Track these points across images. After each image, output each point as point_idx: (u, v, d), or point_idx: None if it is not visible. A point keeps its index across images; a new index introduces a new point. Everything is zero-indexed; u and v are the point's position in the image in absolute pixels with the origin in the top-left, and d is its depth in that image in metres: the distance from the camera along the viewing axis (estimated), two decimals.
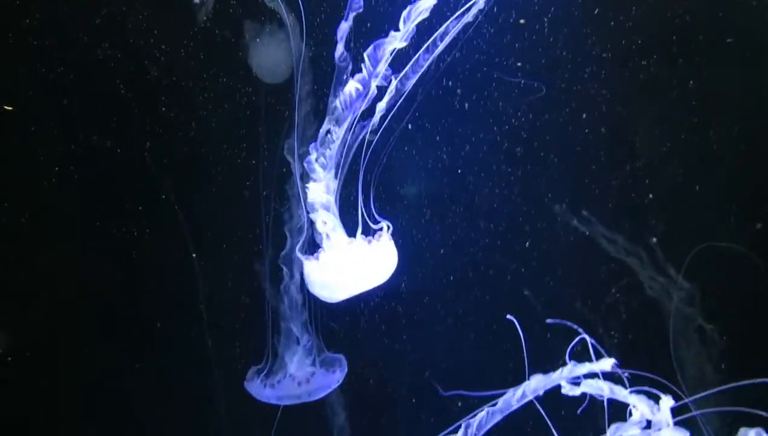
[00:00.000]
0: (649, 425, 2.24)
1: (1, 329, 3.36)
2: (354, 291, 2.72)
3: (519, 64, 3.10)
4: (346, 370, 3.24)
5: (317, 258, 2.61)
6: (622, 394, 2.09)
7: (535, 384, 2.15)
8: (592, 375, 2.14)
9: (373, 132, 2.63)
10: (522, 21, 3.05)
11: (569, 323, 2.43)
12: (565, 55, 3.09)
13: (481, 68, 3.10)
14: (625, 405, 2.27)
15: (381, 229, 2.61)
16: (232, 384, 3.31)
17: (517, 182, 3.27)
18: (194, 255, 3.33)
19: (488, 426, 2.17)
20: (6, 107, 3.15)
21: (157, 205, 3.27)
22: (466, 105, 3.16)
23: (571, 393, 2.12)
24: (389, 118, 2.67)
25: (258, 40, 3.07)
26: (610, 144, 3.25)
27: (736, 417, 2.55)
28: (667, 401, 2.22)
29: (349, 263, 2.61)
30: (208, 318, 3.38)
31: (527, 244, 3.32)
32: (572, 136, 3.22)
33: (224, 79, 3.15)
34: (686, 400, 2.35)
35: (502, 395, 2.23)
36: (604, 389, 2.08)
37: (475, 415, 2.19)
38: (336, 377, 3.22)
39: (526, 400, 2.19)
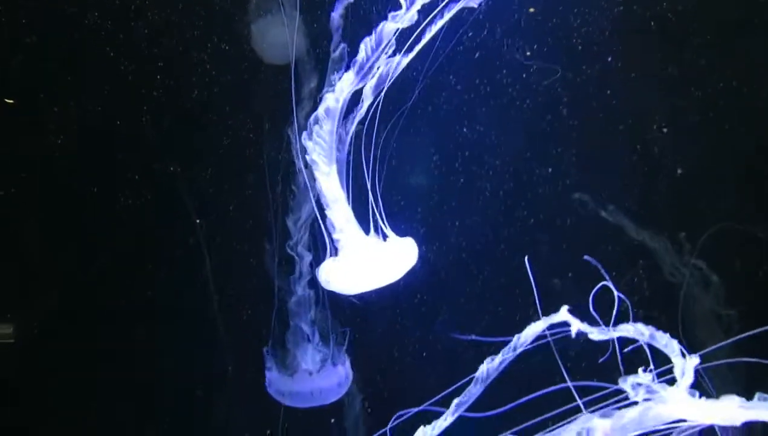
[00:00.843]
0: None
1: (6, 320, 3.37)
2: (372, 287, 2.63)
3: (533, 44, 3.08)
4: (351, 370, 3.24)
5: (333, 260, 2.53)
6: (663, 341, 2.00)
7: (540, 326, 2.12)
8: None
9: (373, 119, 2.57)
10: (532, 9, 3.03)
11: (600, 266, 2.36)
12: (580, 33, 3.06)
13: (495, 47, 3.07)
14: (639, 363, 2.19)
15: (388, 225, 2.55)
16: (241, 375, 3.31)
17: (533, 160, 3.23)
18: (197, 220, 3.27)
19: (500, 368, 2.12)
20: (7, 100, 3.14)
21: (160, 178, 3.24)
22: (478, 84, 3.13)
23: (600, 338, 2.03)
24: (391, 103, 2.62)
25: (259, 17, 3.03)
26: (628, 125, 3.19)
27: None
28: (692, 360, 2.14)
29: (366, 261, 2.52)
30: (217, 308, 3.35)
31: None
32: (589, 115, 3.17)
33: (226, 46, 3.12)
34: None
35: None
36: (644, 334, 2.00)
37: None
38: (346, 373, 3.21)
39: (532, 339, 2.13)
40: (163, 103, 3.17)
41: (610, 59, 3.10)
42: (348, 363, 3.25)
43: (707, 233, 3.13)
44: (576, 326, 2.01)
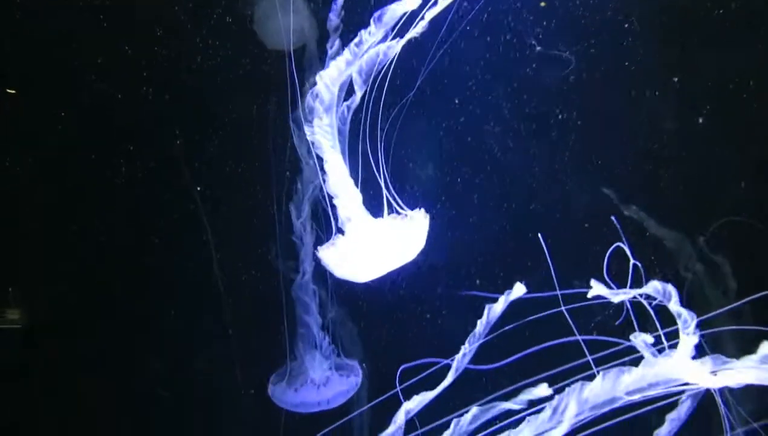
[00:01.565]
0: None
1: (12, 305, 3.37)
2: (382, 271, 2.62)
3: (543, 24, 3.08)
4: (360, 378, 3.22)
5: (333, 245, 2.51)
6: (683, 315, 2.05)
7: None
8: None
9: (377, 106, 2.59)
10: (543, 4, 3.05)
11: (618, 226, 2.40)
12: (589, 23, 3.06)
13: (504, 36, 3.07)
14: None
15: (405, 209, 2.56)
16: (246, 376, 3.31)
17: (538, 146, 3.22)
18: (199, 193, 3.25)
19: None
20: (9, 90, 3.14)
21: (165, 162, 3.22)
22: (484, 73, 3.13)
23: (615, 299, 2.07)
24: (396, 89, 2.67)
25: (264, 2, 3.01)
26: (635, 114, 3.17)
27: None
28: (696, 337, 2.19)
29: (375, 244, 2.51)
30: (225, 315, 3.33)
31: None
32: (597, 104, 3.17)
33: (229, 19, 3.08)
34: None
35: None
36: (671, 296, 2.05)
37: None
38: (353, 381, 3.20)
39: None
40: (164, 79, 3.15)
41: (622, 52, 3.09)
42: (356, 370, 3.24)
43: (712, 226, 3.16)
44: (596, 289, 2.04)
